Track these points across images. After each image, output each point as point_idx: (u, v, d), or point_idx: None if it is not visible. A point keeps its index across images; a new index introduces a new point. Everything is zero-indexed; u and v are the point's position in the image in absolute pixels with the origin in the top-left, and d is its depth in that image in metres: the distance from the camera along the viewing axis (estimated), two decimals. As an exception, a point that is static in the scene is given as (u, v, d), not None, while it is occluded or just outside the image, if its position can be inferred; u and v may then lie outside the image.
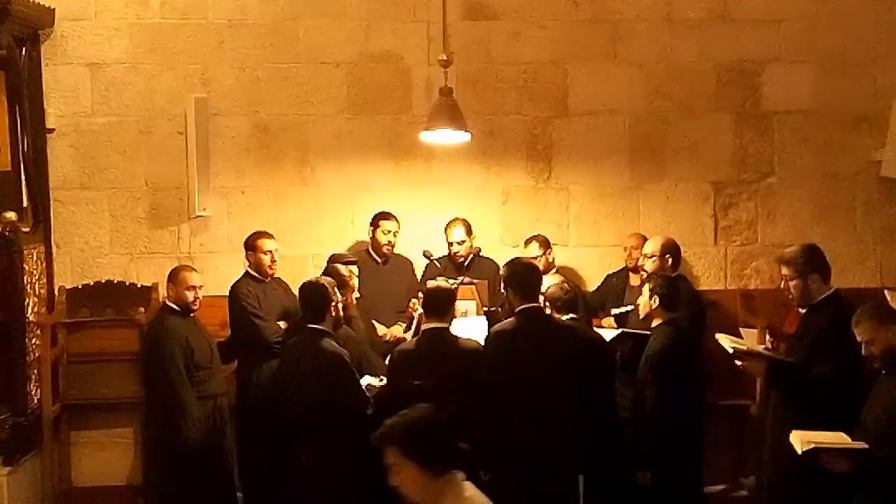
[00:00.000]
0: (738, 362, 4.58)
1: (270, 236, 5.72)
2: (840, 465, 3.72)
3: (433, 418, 2.90)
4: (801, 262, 4.47)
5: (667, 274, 5.33)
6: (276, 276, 5.76)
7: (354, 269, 5.50)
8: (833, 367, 4.15)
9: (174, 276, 5.29)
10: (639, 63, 6.40)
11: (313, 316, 4.70)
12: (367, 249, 6.10)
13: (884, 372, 3.91)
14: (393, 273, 6.07)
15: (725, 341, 4.66)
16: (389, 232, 6.00)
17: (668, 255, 5.67)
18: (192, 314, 5.27)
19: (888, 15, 6.39)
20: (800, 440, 3.83)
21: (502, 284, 4.92)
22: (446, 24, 5.43)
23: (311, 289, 4.78)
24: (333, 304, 4.74)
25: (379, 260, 6.06)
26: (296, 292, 5.55)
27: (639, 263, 5.81)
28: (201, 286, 5.31)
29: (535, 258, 5.78)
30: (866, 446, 3.72)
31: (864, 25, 6.39)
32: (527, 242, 6.08)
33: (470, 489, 2.87)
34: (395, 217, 6.06)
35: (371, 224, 6.07)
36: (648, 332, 4.96)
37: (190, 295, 5.23)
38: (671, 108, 6.43)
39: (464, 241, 5.98)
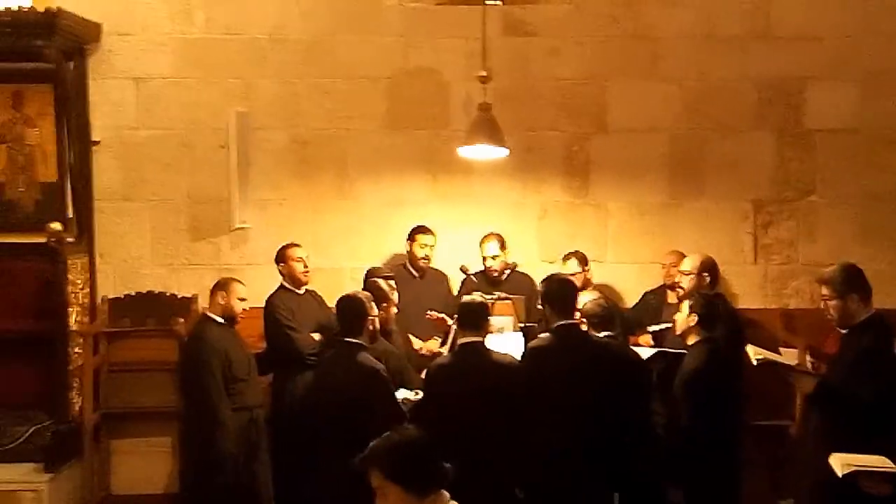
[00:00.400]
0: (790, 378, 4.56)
1: (298, 245, 5.79)
2: (881, 489, 3.66)
3: (417, 439, 2.86)
4: (840, 283, 4.42)
5: (707, 293, 5.29)
6: (310, 288, 5.81)
7: (393, 283, 5.54)
8: (877, 390, 4.09)
9: (225, 287, 5.34)
10: (678, 80, 6.38)
11: (350, 329, 4.73)
12: (405, 264, 6.13)
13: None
14: (429, 287, 6.09)
15: (752, 352, 4.64)
16: (426, 246, 6.03)
17: (705, 273, 5.62)
18: (234, 326, 5.33)
19: (932, 32, 6.31)
20: (840, 463, 3.78)
21: (540, 300, 4.92)
22: (485, 39, 5.46)
23: (348, 303, 4.80)
24: (370, 318, 4.76)
25: (416, 274, 6.09)
26: (331, 305, 5.62)
27: (676, 280, 5.77)
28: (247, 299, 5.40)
29: (573, 275, 5.77)
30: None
31: (907, 43, 6.32)
32: (565, 258, 6.07)
33: None
34: (432, 231, 6.09)
35: (408, 238, 6.10)
36: (684, 351, 4.92)
37: (240, 306, 5.31)
38: (710, 125, 6.40)
39: (497, 256, 5.99)
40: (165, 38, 6.35)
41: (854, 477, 3.70)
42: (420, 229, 6.08)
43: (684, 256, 5.87)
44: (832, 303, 4.43)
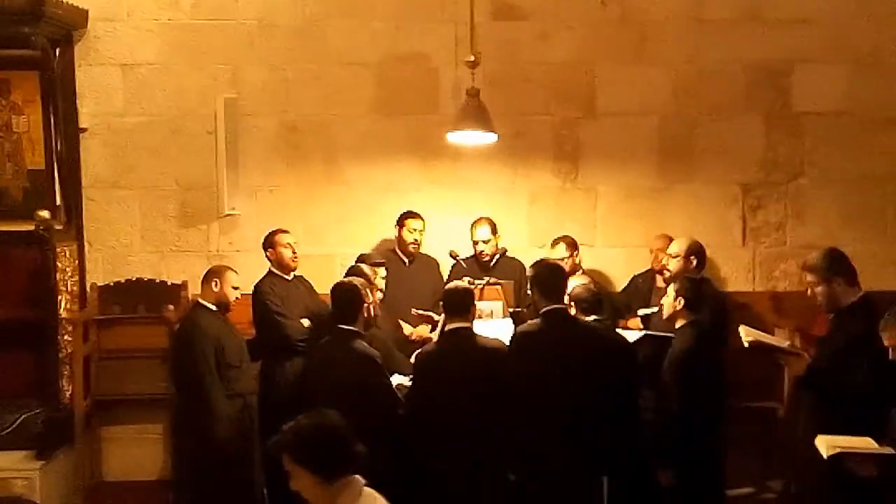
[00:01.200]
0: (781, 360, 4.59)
1: (286, 231, 5.79)
2: (866, 470, 3.69)
3: (325, 424, 2.88)
4: (825, 268, 4.45)
5: (693, 276, 5.31)
6: (299, 274, 5.82)
7: (381, 270, 5.55)
8: (868, 375, 4.12)
9: (219, 274, 5.33)
10: (667, 64, 6.37)
11: (344, 316, 4.73)
12: (394, 249, 6.14)
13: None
14: (419, 272, 6.10)
15: (744, 333, 4.67)
16: (415, 230, 6.04)
17: (692, 257, 5.65)
18: (226, 313, 5.34)
19: (921, 15, 6.32)
20: (826, 444, 3.81)
21: (529, 285, 4.94)
22: (474, 24, 5.44)
23: (343, 289, 4.81)
24: (365, 305, 4.77)
25: (405, 259, 6.09)
26: (320, 291, 5.65)
27: (663, 263, 5.79)
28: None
29: (562, 259, 5.78)
30: (893, 451, 3.69)
31: (896, 25, 6.32)
32: (554, 243, 6.08)
33: (367, 495, 2.86)
34: (420, 216, 6.09)
35: (397, 223, 6.11)
36: (671, 335, 4.94)
37: (234, 294, 5.32)
38: (700, 108, 6.40)
39: (489, 240, 6.00)
40: (152, 24, 6.32)
41: (839, 458, 3.73)
42: (409, 214, 6.08)
43: (672, 240, 5.89)
44: (818, 289, 4.46)
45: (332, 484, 2.81)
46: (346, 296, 4.77)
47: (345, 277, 5.05)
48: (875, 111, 6.36)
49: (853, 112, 6.37)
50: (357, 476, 2.87)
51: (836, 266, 4.45)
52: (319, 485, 2.82)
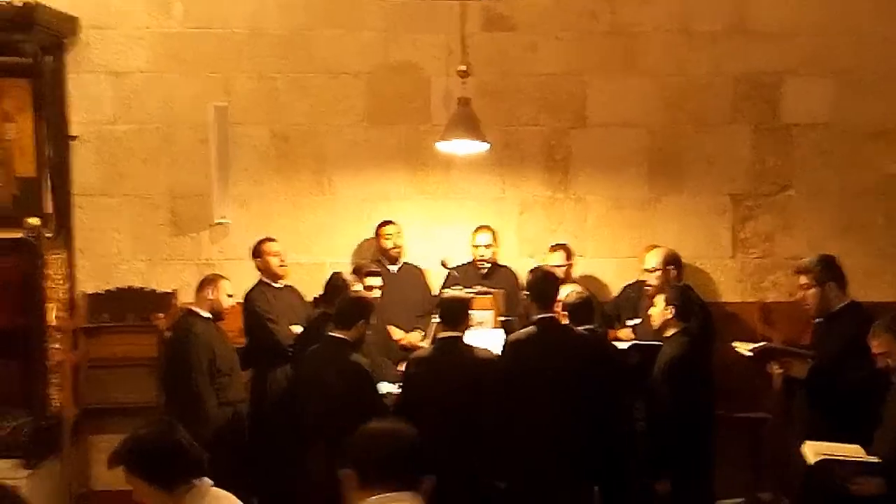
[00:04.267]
0: (776, 368, 4.62)
1: (274, 240, 5.83)
2: (853, 480, 3.71)
3: (156, 433, 2.84)
4: (819, 271, 4.50)
5: (678, 284, 5.34)
6: (289, 284, 5.84)
7: (377, 280, 5.59)
8: (871, 374, 4.15)
9: (214, 282, 5.35)
10: (656, 75, 6.41)
11: (341, 324, 4.73)
12: (378, 259, 6.19)
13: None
14: (406, 280, 6.17)
15: (743, 348, 4.70)
16: (391, 235, 6.12)
17: (670, 266, 5.67)
18: (219, 321, 5.33)
19: (907, 28, 6.38)
20: (812, 451, 3.83)
21: (524, 290, 4.98)
22: (465, 35, 5.48)
23: (352, 302, 4.84)
24: (365, 322, 4.78)
25: (391, 267, 6.14)
26: (308, 300, 5.68)
27: (642, 279, 5.80)
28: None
29: (559, 266, 5.85)
30: (878, 460, 3.70)
31: (883, 38, 6.36)
32: (552, 249, 6.14)
33: (214, 497, 2.82)
34: (394, 221, 6.18)
35: (375, 235, 6.20)
36: (659, 343, 4.97)
37: (228, 302, 5.33)
38: (689, 120, 6.43)
39: (490, 246, 6.11)
40: (143, 32, 6.32)
41: (825, 465, 3.75)
42: (382, 223, 6.19)
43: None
44: (810, 291, 4.51)
45: (172, 492, 2.78)
46: (352, 308, 4.79)
47: (362, 293, 5.15)
48: (862, 123, 6.41)
49: (841, 124, 6.41)
50: (204, 479, 2.82)
51: (829, 270, 4.51)
52: (159, 494, 2.78)
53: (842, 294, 4.51)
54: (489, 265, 6.10)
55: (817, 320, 4.60)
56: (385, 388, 4.99)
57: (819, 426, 4.23)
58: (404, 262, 6.19)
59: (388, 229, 6.14)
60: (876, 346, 3.90)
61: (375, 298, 5.38)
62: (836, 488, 3.78)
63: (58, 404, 5.93)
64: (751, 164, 6.46)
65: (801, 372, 4.56)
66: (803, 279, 4.58)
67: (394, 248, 6.11)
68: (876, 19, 6.36)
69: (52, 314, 5.94)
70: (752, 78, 6.41)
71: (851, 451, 3.79)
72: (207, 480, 2.82)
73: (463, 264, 6.12)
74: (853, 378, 4.25)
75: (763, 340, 5.87)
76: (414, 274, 6.25)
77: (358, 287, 5.39)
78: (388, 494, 2.38)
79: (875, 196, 6.43)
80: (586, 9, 6.37)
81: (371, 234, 6.33)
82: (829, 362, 4.42)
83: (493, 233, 6.15)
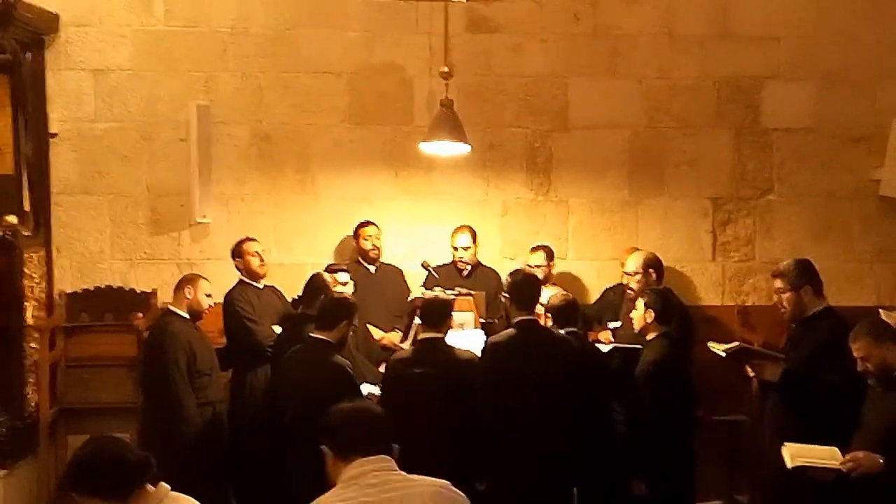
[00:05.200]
0: (749, 371, 4.64)
1: (254, 240, 5.81)
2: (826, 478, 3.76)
3: (91, 450, 2.83)
4: (795, 275, 4.53)
5: (658, 288, 5.36)
6: (270, 284, 5.82)
7: (343, 276, 5.62)
8: (843, 377, 4.18)
9: (193, 282, 5.32)
10: (639, 78, 6.43)
11: (324, 325, 4.71)
12: (357, 259, 6.17)
13: (879, 389, 3.92)
14: (384, 280, 6.18)
15: (717, 348, 4.72)
16: (370, 237, 6.12)
17: (651, 270, 5.68)
18: (197, 321, 5.31)
19: (887, 33, 6.42)
20: (790, 455, 3.85)
21: (504, 291, 4.97)
22: (448, 36, 5.47)
23: (335, 302, 4.82)
24: (348, 322, 4.76)
25: (370, 267, 6.13)
26: (290, 300, 5.67)
27: (623, 283, 5.82)
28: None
29: (538, 267, 5.86)
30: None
31: (864, 44, 6.42)
32: (533, 250, 6.14)
33: (172, 500, 2.83)
34: (374, 223, 6.18)
35: (353, 235, 6.18)
36: (639, 347, 4.98)
37: (207, 302, 5.30)
38: (671, 123, 6.46)
39: (469, 247, 6.08)
40: (125, 30, 6.28)
41: (802, 469, 3.78)
42: (362, 224, 6.18)
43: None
44: (786, 295, 4.54)
45: (126, 501, 2.76)
46: (335, 308, 4.75)
47: (345, 294, 5.14)
48: (842, 128, 6.46)
49: (821, 129, 6.46)
50: (161, 484, 2.83)
51: (805, 274, 4.54)
52: None
53: (817, 299, 4.54)
54: (469, 266, 6.09)
55: (793, 325, 4.63)
56: (366, 389, 4.98)
57: (791, 429, 4.25)
58: (381, 262, 6.18)
59: (368, 230, 6.13)
60: (856, 349, 3.92)
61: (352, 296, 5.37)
62: (813, 491, 3.81)
63: (34, 404, 5.89)
64: (732, 167, 6.49)
65: (773, 375, 4.59)
66: (779, 283, 4.61)
67: (373, 248, 6.11)
68: (857, 25, 6.42)
69: (30, 313, 5.89)
70: (735, 82, 6.44)
71: (828, 454, 3.82)
72: (164, 485, 2.83)
73: (444, 265, 6.12)
74: (826, 382, 4.28)
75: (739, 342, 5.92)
76: (392, 274, 6.25)
77: (338, 288, 5.38)
78: (367, 458, 2.68)
79: (854, 201, 6.48)
80: (570, 11, 6.39)
81: (352, 233, 6.31)
82: (802, 366, 4.44)
83: (473, 233, 6.14)
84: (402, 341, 5.85)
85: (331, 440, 2.78)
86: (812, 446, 3.90)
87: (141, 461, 2.80)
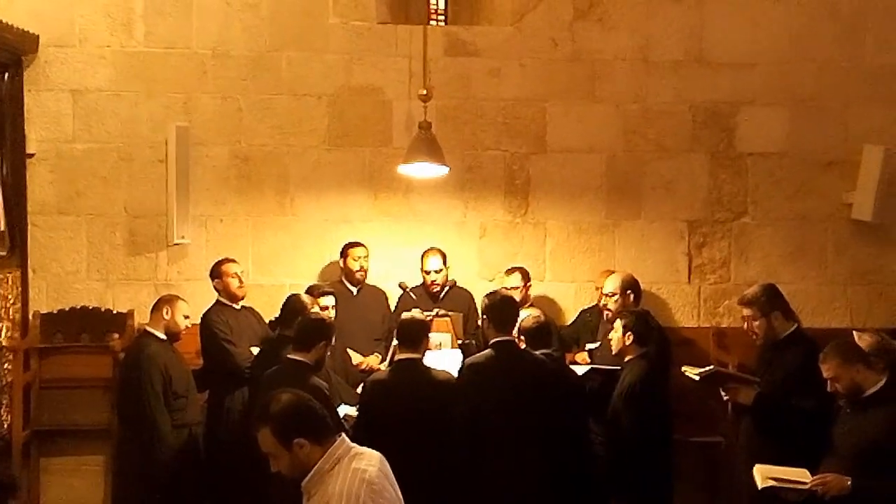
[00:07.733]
0: (724, 394, 4.68)
1: (233, 261, 5.79)
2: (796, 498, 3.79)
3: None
4: (763, 302, 4.59)
5: (636, 309, 5.39)
6: (248, 305, 5.81)
7: (328, 299, 5.59)
8: (816, 401, 4.22)
9: (170, 303, 5.31)
10: (616, 102, 6.50)
11: (301, 347, 4.70)
12: (340, 280, 6.15)
13: (848, 410, 3.97)
14: (367, 302, 6.15)
15: (691, 372, 4.76)
16: (360, 258, 6.09)
17: (629, 292, 5.72)
18: (174, 343, 5.29)
19: (860, 60, 6.52)
20: (761, 476, 3.88)
21: (481, 313, 4.98)
22: (427, 59, 5.52)
23: (312, 323, 4.80)
24: (325, 343, 4.75)
25: (352, 288, 6.11)
26: (268, 321, 5.65)
27: (601, 304, 5.85)
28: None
29: (515, 288, 5.87)
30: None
31: (837, 70, 6.51)
32: (509, 272, 6.15)
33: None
34: (363, 244, 6.16)
35: (341, 255, 6.15)
36: (618, 368, 5.01)
37: (184, 323, 5.29)
38: (647, 147, 6.53)
39: (440, 270, 6.07)
40: (105, 51, 6.29)
41: (772, 490, 3.81)
42: (352, 244, 6.15)
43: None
44: (756, 322, 4.60)
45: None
46: (312, 329, 4.74)
47: (321, 314, 5.12)
48: (815, 153, 6.54)
49: (794, 153, 6.54)
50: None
51: (773, 300, 4.60)
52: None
53: (787, 322, 4.61)
54: (444, 287, 6.10)
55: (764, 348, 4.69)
56: (343, 410, 4.97)
57: (765, 451, 4.29)
58: (365, 284, 6.17)
59: (357, 251, 6.10)
60: (825, 370, 3.97)
61: (330, 318, 5.37)
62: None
63: (7, 426, 5.84)
64: (707, 191, 6.56)
65: (747, 399, 4.63)
66: (747, 311, 4.67)
67: (360, 270, 6.09)
68: (830, 52, 6.51)
69: (4, 334, 5.85)
70: (710, 107, 6.52)
71: (798, 475, 3.85)
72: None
73: (420, 285, 6.13)
74: (798, 407, 4.32)
75: (716, 365, 5.95)
76: (375, 295, 6.23)
77: (315, 309, 5.37)
78: (340, 435, 3.01)
79: (827, 224, 6.55)
80: (548, 36, 6.46)
81: (333, 255, 6.32)
82: (775, 390, 4.49)
83: (443, 255, 6.13)
84: (380, 363, 5.83)
85: (308, 431, 2.94)
86: (783, 468, 3.93)
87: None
